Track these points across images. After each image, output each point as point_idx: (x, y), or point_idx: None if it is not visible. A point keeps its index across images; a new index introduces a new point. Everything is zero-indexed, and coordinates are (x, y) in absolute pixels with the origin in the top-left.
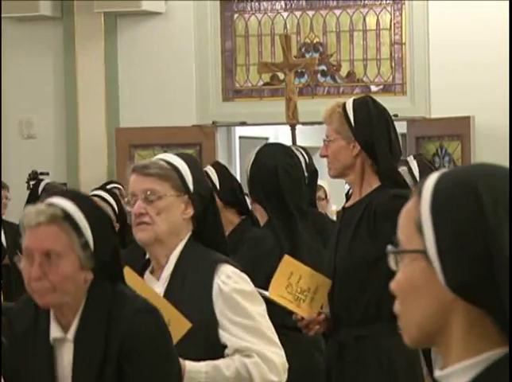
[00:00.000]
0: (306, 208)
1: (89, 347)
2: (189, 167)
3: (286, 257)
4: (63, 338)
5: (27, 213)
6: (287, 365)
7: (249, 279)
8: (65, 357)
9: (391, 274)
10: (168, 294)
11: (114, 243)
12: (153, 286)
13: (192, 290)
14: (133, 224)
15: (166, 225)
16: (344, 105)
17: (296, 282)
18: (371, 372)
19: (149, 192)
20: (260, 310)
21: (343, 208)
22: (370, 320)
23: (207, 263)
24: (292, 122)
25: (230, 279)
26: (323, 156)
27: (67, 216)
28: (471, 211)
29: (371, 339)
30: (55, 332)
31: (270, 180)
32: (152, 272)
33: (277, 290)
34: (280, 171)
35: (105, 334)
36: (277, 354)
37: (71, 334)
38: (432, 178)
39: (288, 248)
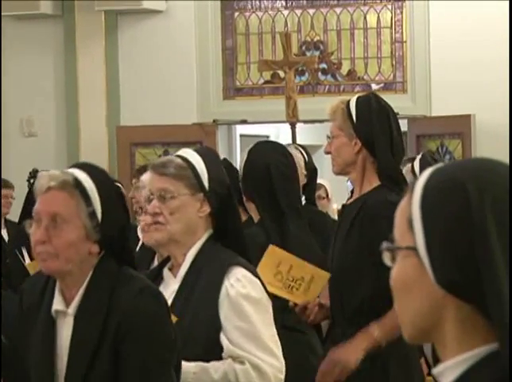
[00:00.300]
0: (300, 206)
1: (88, 324)
2: (206, 164)
3: (271, 247)
4: (64, 312)
5: (40, 178)
6: (282, 376)
7: (260, 285)
8: (64, 332)
9: (383, 272)
10: (180, 292)
11: (123, 221)
12: (170, 283)
13: (202, 290)
14: (148, 224)
15: (180, 225)
16: (348, 102)
17: (287, 271)
18: (365, 370)
19: (163, 192)
20: (264, 318)
21: (343, 205)
22: (363, 319)
23: (220, 264)
24: (293, 120)
25: (238, 283)
26: (327, 152)
27: (78, 184)
28: (459, 207)
29: None
30: (57, 304)
31: (263, 178)
32: (171, 269)
33: (265, 277)
34: (272, 170)
35: (105, 313)
36: (271, 365)
37: (72, 309)
38: (425, 175)
39: (279, 246)
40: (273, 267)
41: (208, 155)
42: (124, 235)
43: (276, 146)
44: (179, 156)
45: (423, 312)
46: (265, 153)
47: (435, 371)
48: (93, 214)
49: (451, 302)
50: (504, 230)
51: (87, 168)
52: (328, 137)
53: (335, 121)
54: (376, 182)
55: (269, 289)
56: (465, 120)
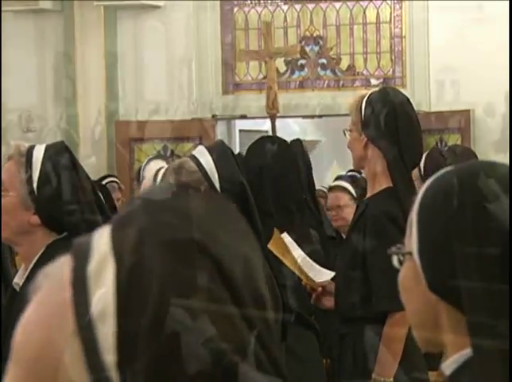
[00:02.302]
0: (292, 204)
1: (26, 297)
2: (216, 164)
3: (277, 238)
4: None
5: None
6: None
7: None
8: None
9: (372, 282)
10: None
11: (66, 197)
12: None
13: None
14: None
15: None
16: (363, 97)
17: (295, 262)
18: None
19: None
20: None
21: (358, 203)
22: (356, 321)
23: None
24: (272, 112)
25: None
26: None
27: (27, 153)
28: (449, 217)
29: (356, 336)
30: (17, 277)
31: (254, 178)
32: None
33: (279, 248)
34: (264, 170)
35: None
36: None
37: (21, 283)
38: (432, 178)
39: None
40: (287, 246)
41: (219, 154)
42: (67, 213)
43: (272, 141)
44: (192, 156)
45: (420, 317)
46: (259, 151)
47: (442, 366)
48: (29, 181)
49: (444, 308)
50: (495, 241)
51: (55, 143)
52: (344, 132)
53: (351, 116)
54: (386, 183)
55: (279, 255)
56: (464, 115)
